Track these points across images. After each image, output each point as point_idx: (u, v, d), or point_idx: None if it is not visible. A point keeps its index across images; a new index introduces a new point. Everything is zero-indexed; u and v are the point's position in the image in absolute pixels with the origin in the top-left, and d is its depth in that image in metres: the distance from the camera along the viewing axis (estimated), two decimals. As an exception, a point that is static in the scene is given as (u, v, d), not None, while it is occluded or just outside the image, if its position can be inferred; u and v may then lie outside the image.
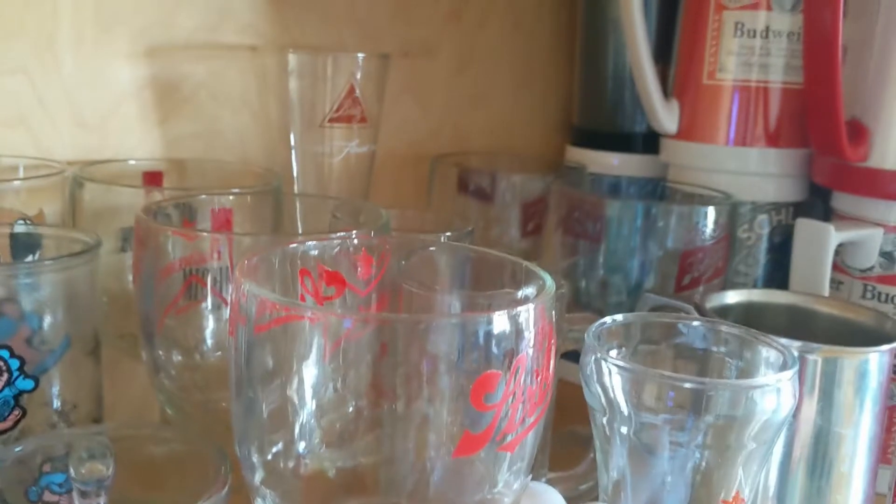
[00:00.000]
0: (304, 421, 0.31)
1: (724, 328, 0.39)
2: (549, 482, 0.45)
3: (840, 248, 0.56)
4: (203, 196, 0.47)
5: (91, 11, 0.54)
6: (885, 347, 0.42)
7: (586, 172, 0.65)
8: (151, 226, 0.41)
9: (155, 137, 0.58)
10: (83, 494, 0.37)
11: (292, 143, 0.57)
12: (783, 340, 0.41)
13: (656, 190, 0.62)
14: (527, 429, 0.31)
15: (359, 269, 0.40)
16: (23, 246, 0.45)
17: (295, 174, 0.58)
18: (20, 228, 0.45)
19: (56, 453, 0.38)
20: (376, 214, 0.45)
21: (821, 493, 0.43)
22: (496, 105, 0.74)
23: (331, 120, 0.55)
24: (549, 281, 0.34)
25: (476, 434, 0.30)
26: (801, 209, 0.62)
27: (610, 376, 0.35)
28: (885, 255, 0.55)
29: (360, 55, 0.57)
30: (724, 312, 0.47)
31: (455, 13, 0.69)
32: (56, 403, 0.41)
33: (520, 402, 0.30)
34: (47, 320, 0.41)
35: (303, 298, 0.38)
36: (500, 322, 0.30)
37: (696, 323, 0.39)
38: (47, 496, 0.39)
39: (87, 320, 0.43)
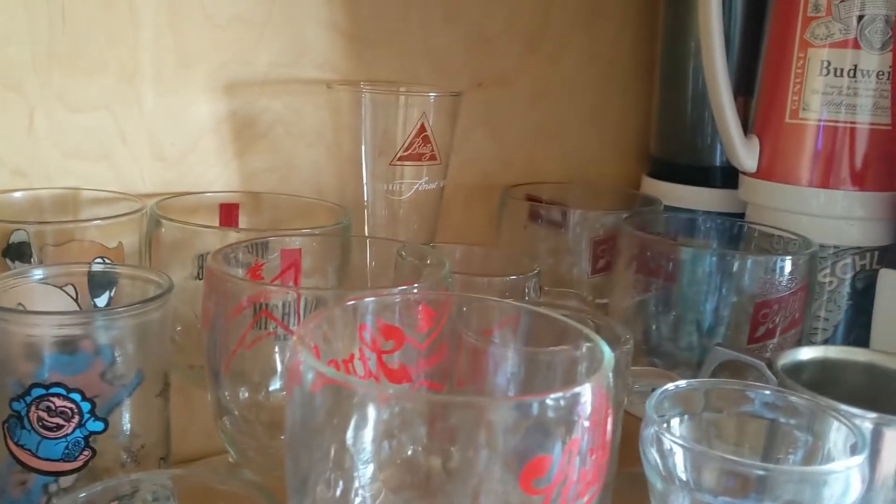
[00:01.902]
0: (353, 488, 0.32)
1: (793, 398, 0.38)
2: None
3: (927, 298, 0.54)
4: (272, 238, 0.48)
5: (171, 48, 0.55)
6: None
7: (660, 209, 0.64)
8: (220, 273, 0.42)
9: (232, 171, 0.59)
10: (148, 535, 0.38)
11: (364, 178, 0.58)
12: (857, 410, 0.39)
13: (733, 229, 0.61)
14: (581, 510, 0.31)
15: (419, 322, 0.40)
16: (99, 283, 0.47)
17: (366, 208, 0.59)
18: (97, 267, 0.47)
19: (122, 492, 0.39)
20: (439, 263, 0.45)
21: None
22: (571, 135, 0.73)
23: (401, 158, 0.55)
24: (608, 354, 0.33)
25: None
26: (887, 253, 0.59)
27: (670, 451, 0.34)
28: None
29: (432, 94, 0.57)
30: (798, 371, 0.46)
31: (532, 45, 0.69)
32: (125, 443, 0.42)
33: (571, 484, 0.30)
34: (120, 356, 0.42)
35: (361, 353, 0.38)
36: (553, 405, 0.29)
37: (764, 391, 0.38)
38: (114, 535, 0.40)
39: (158, 360, 0.44)
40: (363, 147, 0.57)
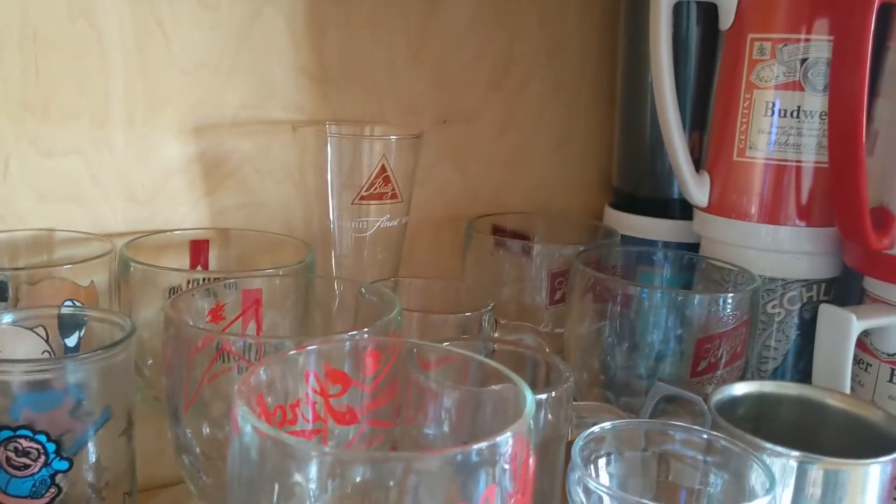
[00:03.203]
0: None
1: (713, 440, 0.40)
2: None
3: (870, 331, 0.56)
4: (233, 280, 0.50)
5: (141, 93, 0.58)
6: (886, 459, 0.42)
7: (616, 241, 0.66)
8: (178, 322, 0.45)
9: (202, 209, 0.61)
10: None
11: (330, 215, 0.60)
12: (781, 449, 0.42)
13: (684, 261, 0.63)
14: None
15: (366, 365, 0.43)
16: (69, 325, 0.49)
17: (333, 243, 0.61)
18: (66, 310, 0.49)
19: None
20: (391, 304, 0.48)
21: None
22: (536, 167, 0.75)
23: (363, 197, 0.58)
24: (530, 405, 0.35)
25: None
26: (833, 285, 0.61)
27: (596, 495, 0.36)
28: (910, 341, 0.54)
29: (393, 137, 0.59)
30: (734, 405, 0.48)
31: (495, 81, 0.71)
32: (91, 479, 0.45)
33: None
34: (88, 395, 0.45)
35: (308, 397, 0.41)
36: (466, 457, 0.31)
37: (688, 432, 0.40)
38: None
39: (123, 399, 0.47)
40: (329, 185, 0.59)
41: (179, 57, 0.58)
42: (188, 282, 0.52)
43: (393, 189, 0.58)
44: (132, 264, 0.53)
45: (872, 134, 0.57)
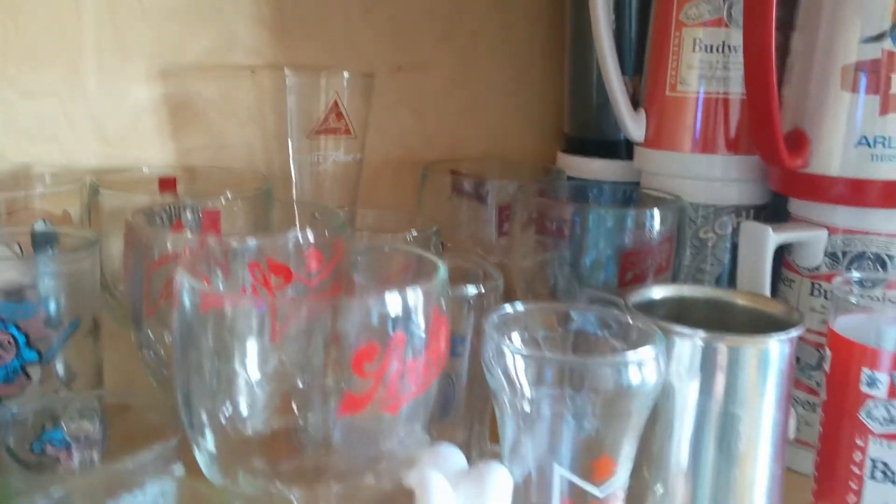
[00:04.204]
0: (235, 390, 0.38)
1: (609, 316, 0.44)
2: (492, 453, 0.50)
3: (791, 248, 0.60)
4: (194, 204, 0.55)
5: (111, 41, 0.62)
6: (784, 336, 0.46)
7: (561, 178, 0.70)
8: (137, 227, 0.49)
9: (170, 149, 0.66)
10: (77, 449, 0.44)
11: (290, 152, 0.65)
12: (687, 329, 0.46)
13: (624, 194, 0.67)
14: (409, 396, 0.37)
15: (308, 262, 0.47)
16: (41, 241, 0.54)
17: (293, 179, 0.66)
18: (39, 227, 0.53)
19: (56, 413, 0.46)
20: (336, 217, 0.52)
21: (727, 470, 0.47)
22: (490, 115, 0.79)
23: (317, 132, 0.62)
24: (443, 273, 0.40)
25: (357, 396, 0.36)
26: (762, 211, 0.66)
27: (509, 359, 0.40)
28: (830, 255, 0.59)
29: (346, 74, 0.64)
30: (651, 306, 0.52)
31: (448, 33, 0.75)
32: (61, 374, 0.49)
33: (399, 374, 0.36)
34: (60, 303, 0.49)
35: (253, 288, 0.45)
36: (378, 304, 0.36)
37: (587, 311, 0.44)
38: (49, 450, 0.47)
39: (89, 303, 0.51)
40: (288, 123, 0.64)
41: (147, 6, 0.63)
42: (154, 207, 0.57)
43: (346, 125, 0.63)
44: (101, 191, 0.57)
45: (789, 65, 0.61)
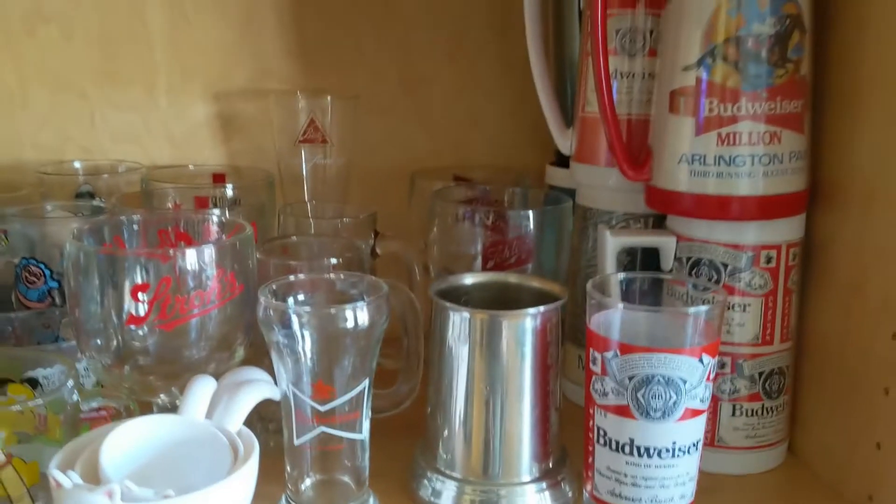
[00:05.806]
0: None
1: (358, 281, 0.58)
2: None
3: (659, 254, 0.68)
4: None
5: (177, 69, 0.87)
6: (534, 310, 0.57)
7: (525, 186, 0.83)
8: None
9: (220, 152, 0.89)
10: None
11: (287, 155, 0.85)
12: (463, 308, 0.58)
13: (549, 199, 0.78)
14: (178, 321, 0.55)
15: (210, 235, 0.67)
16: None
17: (302, 177, 0.86)
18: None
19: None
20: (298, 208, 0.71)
21: (493, 422, 0.59)
22: (490, 127, 0.93)
23: (300, 141, 0.82)
24: (248, 231, 0.57)
25: (139, 317, 0.55)
26: (652, 220, 0.73)
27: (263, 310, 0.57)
28: (678, 260, 0.66)
29: (329, 98, 0.82)
30: (455, 289, 0.64)
31: (451, 53, 0.91)
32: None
33: (168, 304, 0.55)
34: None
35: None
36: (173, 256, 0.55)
37: (342, 276, 0.59)
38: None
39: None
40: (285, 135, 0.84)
41: (205, 46, 0.87)
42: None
43: (322, 135, 0.81)
44: (153, 182, 0.81)
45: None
